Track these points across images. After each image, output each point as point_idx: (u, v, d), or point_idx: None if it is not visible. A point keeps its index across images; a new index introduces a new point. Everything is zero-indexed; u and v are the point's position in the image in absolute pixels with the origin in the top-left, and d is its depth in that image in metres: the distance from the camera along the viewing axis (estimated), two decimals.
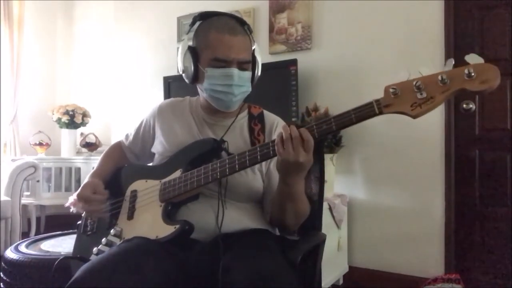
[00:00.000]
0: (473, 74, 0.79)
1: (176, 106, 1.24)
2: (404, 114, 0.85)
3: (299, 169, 0.94)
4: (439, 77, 0.81)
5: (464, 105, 2.23)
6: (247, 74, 1.11)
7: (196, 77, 1.12)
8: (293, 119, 2.42)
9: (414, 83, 0.83)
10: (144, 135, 1.28)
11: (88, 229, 1.22)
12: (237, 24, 1.10)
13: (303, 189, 1.05)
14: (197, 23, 1.13)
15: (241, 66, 1.08)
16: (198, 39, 1.11)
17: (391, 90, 0.86)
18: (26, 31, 3.75)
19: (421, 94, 0.83)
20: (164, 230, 1.01)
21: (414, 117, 0.84)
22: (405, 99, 0.84)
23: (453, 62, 0.83)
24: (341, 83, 2.52)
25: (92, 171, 1.27)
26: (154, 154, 1.23)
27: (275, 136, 0.97)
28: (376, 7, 2.43)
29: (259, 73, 1.16)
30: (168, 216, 1.05)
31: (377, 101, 0.87)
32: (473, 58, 0.80)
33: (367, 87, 2.40)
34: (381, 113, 0.87)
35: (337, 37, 2.56)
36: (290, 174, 0.96)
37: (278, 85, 2.46)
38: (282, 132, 0.93)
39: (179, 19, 3.24)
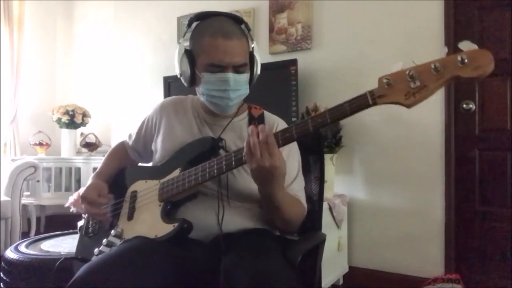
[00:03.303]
0: (466, 60, 0.79)
1: (179, 104, 1.24)
2: (398, 104, 0.85)
3: (269, 175, 0.93)
4: (432, 66, 0.81)
5: (464, 105, 2.23)
6: (244, 77, 1.10)
7: (194, 81, 1.12)
8: (293, 119, 2.42)
9: (407, 72, 0.83)
10: (146, 134, 1.27)
11: (90, 231, 1.23)
12: (233, 25, 1.10)
13: (286, 198, 1.04)
14: (194, 24, 1.13)
15: (237, 69, 1.08)
16: (194, 43, 1.11)
17: (384, 80, 0.86)
18: (26, 31, 3.75)
19: (415, 83, 0.83)
20: (163, 229, 1.01)
21: (408, 106, 0.84)
22: (399, 88, 0.84)
23: (447, 50, 0.83)
24: (341, 83, 2.51)
25: (96, 171, 1.27)
26: (155, 152, 1.23)
27: None
28: (376, 7, 2.42)
29: (258, 72, 1.15)
30: (167, 215, 1.05)
31: (370, 92, 0.87)
32: (466, 45, 0.80)
33: (367, 87, 2.35)
34: (375, 103, 0.87)
35: (337, 37, 2.56)
36: (266, 184, 0.96)
37: (278, 85, 2.46)
38: (248, 139, 0.92)
39: (179, 19, 3.24)
